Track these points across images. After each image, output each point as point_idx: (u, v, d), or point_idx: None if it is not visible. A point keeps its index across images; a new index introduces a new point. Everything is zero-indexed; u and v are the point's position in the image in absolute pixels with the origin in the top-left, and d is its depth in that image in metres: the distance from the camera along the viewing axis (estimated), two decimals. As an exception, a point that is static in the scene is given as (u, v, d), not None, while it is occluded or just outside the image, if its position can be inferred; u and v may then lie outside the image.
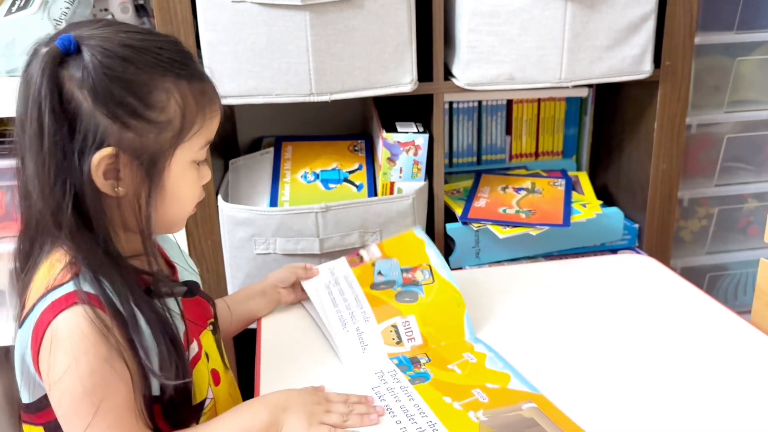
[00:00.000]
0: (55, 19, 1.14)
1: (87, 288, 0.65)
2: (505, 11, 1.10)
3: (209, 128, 0.72)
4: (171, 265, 0.81)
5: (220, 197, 1.17)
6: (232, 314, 0.92)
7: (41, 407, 0.69)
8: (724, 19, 1.33)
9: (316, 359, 0.86)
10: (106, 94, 0.64)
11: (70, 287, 0.65)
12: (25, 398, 0.70)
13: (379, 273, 0.97)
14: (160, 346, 0.67)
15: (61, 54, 0.63)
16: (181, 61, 0.69)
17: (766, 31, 1.35)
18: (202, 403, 0.75)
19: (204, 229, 1.18)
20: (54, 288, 0.65)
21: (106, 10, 1.33)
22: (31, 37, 1.11)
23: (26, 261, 0.71)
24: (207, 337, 0.79)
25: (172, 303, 0.73)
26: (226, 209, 1.15)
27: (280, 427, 0.69)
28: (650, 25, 1.15)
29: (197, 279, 0.85)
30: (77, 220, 0.66)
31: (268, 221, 1.13)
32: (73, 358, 0.63)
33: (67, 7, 1.15)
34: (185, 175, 0.71)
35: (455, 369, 0.82)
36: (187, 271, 0.84)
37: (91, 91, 0.63)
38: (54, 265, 0.67)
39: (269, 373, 0.83)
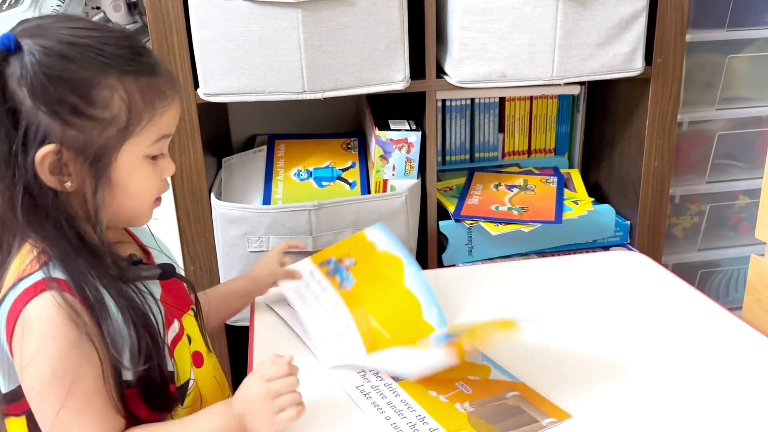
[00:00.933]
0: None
1: (57, 274, 0.66)
2: (497, 8, 1.10)
3: (161, 122, 0.70)
4: (146, 251, 0.81)
5: (213, 195, 1.17)
6: (211, 310, 0.90)
7: (19, 396, 0.69)
8: (715, 16, 1.34)
9: (307, 351, 0.87)
10: (45, 93, 0.64)
11: (39, 275, 0.66)
12: (3, 387, 0.71)
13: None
14: (130, 330, 0.68)
15: (2, 52, 0.64)
16: (127, 56, 0.68)
17: (757, 28, 1.36)
18: (186, 384, 0.76)
19: (197, 227, 1.18)
20: (24, 277, 0.66)
21: (97, 8, 1.33)
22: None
23: None
24: (189, 320, 0.80)
25: (152, 287, 0.74)
26: (219, 207, 1.15)
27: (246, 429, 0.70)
28: (641, 23, 1.16)
29: (173, 263, 0.85)
30: (35, 212, 0.67)
31: (261, 219, 1.13)
32: (41, 343, 0.64)
33: (58, 5, 1.14)
34: (137, 170, 0.70)
35: None
36: (163, 255, 0.84)
37: (30, 90, 0.64)
38: (24, 256, 0.68)
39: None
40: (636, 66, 1.19)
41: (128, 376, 0.69)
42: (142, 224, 0.78)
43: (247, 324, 0.99)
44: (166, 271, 0.76)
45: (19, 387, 0.69)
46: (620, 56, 1.17)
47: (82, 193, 0.68)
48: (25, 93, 0.64)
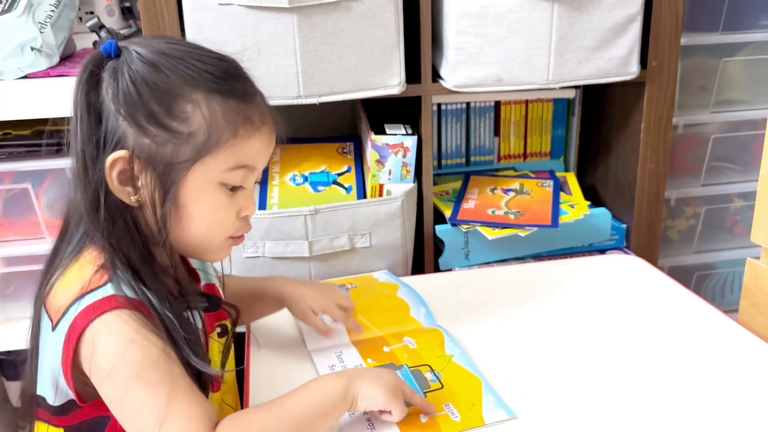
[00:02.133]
0: (39, 23, 1.12)
1: (127, 292, 0.64)
2: (493, 13, 1.10)
3: (242, 150, 0.67)
4: (193, 274, 0.80)
5: (208, 200, 1.17)
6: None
7: (65, 411, 0.68)
8: (710, 20, 1.34)
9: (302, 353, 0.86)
10: (127, 97, 0.64)
11: (108, 290, 0.64)
12: (51, 400, 0.68)
13: None
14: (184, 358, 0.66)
15: (102, 57, 0.65)
16: (219, 75, 0.66)
17: (751, 31, 1.37)
18: None
19: (192, 233, 1.17)
20: (90, 291, 0.64)
21: (91, 12, 1.32)
22: (16, 40, 1.11)
23: (52, 262, 0.70)
24: (212, 343, 0.78)
25: (196, 316, 0.72)
26: (214, 212, 1.14)
27: (355, 394, 0.69)
28: (636, 27, 1.16)
29: (216, 281, 0.84)
30: (110, 216, 0.66)
31: (256, 224, 1.13)
32: (123, 350, 0.62)
33: (52, 11, 1.14)
34: (206, 194, 0.67)
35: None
36: (209, 276, 0.83)
37: (115, 93, 0.64)
38: (84, 266, 0.66)
39: (258, 366, 0.83)
40: (631, 69, 1.19)
41: None
42: (215, 260, 0.76)
43: (243, 330, 0.99)
44: (212, 304, 0.76)
45: (67, 403, 0.67)
46: (615, 60, 1.17)
47: (150, 212, 0.66)
48: (110, 96, 0.64)
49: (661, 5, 1.18)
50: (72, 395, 0.67)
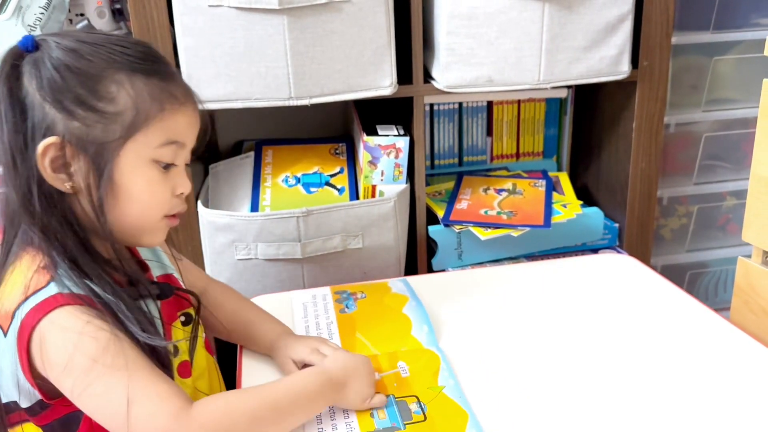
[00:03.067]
0: (29, 25, 1.12)
1: (71, 288, 0.65)
2: (483, 13, 1.10)
3: (170, 125, 0.69)
4: (143, 265, 0.80)
5: (200, 203, 1.16)
6: (229, 332, 0.90)
7: (37, 411, 0.68)
8: (701, 19, 1.35)
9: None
10: (52, 84, 0.65)
11: (52, 289, 0.64)
12: (21, 403, 0.69)
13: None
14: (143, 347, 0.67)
15: (20, 51, 0.66)
16: (139, 56, 0.68)
17: (742, 30, 1.37)
18: None
19: (184, 235, 1.17)
20: (34, 293, 0.65)
21: (81, 15, 1.32)
22: (6, 43, 1.10)
23: None
24: (176, 330, 0.79)
25: (150, 305, 0.73)
26: (206, 215, 1.14)
27: (338, 400, 0.73)
28: (627, 26, 1.16)
29: (173, 272, 0.84)
30: (45, 212, 0.66)
31: (248, 226, 1.12)
32: (75, 344, 0.62)
33: (42, 13, 1.13)
34: (141, 172, 0.68)
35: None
36: (162, 266, 0.83)
37: (39, 82, 0.65)
38: (25, 269, 0.67)
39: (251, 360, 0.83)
40: (622, 69, 1.19)
41: None
42: (152, 243, 0.75)
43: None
44: (164, 291, 0.76)
45: (37, 404, 0.67)
46: (606, 60, 1.17)
47: (86, 198, 0.67)
48: (34, 86, 0.65)
49: (652, 4, 1.18)
50: (39, 395, 0.67)
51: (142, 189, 0.69)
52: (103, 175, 0.66)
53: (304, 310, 0.97)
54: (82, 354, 0.62)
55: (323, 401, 0.72)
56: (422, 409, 0.74)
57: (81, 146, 0.65)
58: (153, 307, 0.74)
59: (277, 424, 0.69)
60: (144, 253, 0.82)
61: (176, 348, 0.77)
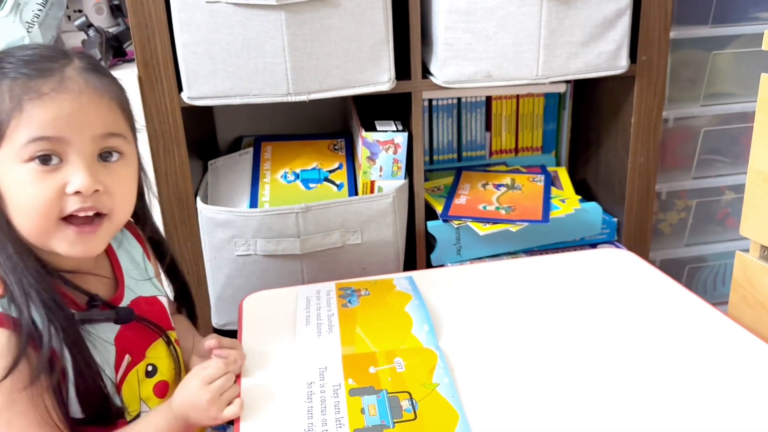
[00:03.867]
0: (27, 22, 1.12)
1: (9, 310, 0.66)
2: (482, 8, 1.10)
3: (31, 121, 0.65)
4: (118, 278, 0.79)
5: (199, 199, 1.16)
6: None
7: None
8: (699, 13, 1.35)
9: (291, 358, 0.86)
10: None
11: None
12: None
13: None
14: (72, 373, 0.68)
15: None
16: (22, 62, 0.67)
17: (740, 25, 1.37)
18: (137, 417, 0.75)
19: (183, 232, 1.17)
20: None
21: (80, 11, 1.32)
22: (3, 40, 1.10)
23: None
24: (156, 350, 0.79)
25: (106, 326, 0.74)
26: (205, 211, 1.14)
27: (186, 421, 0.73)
28: (625, 21, 1.16)
29: (156, 290, 0.83)
30: None
31: (248, 222, 1.13)
32: None
33: (40, 10, 1.13)
34: (14, 174, 0.66)
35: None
36: (149, 285, 0.82)
37: None
38: None
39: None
40: (621, 64, 1.19)
41: (77, 414, 0.70)
42: (66, 253, 0.69)
43: (235, 328, 0.99)
44: (121, 317, 0.75)
45: None
46: (605, 54, 1.17)
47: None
48: None
49: (650, -1, 1.18)
50: None
51: (19, 193, 0.66)
52: None
53: (306, 303, 0.97)
54: None
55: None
56: (413, 407, 0.74)
57: None
58: (108, 329, 0.73)
59: None
60: (129, 272, 0.81)
61: (154, 367, 0.78)
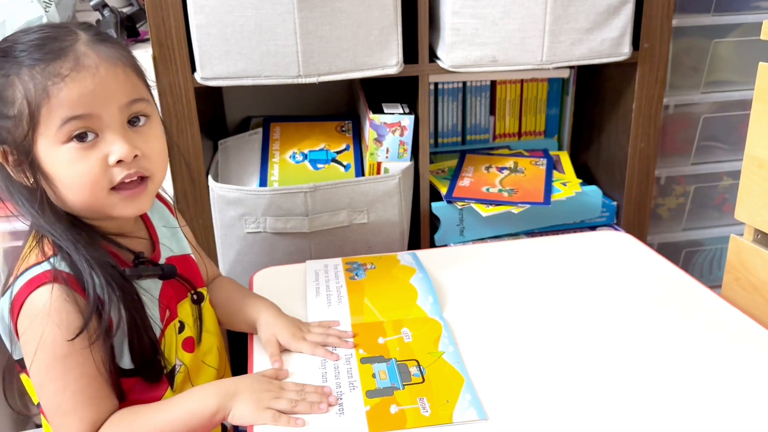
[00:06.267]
0: (44, 1, 1.14)
1: (62, 267, 0.71)
2: (489, -6, 1.12)
3: (60, 104, 0.68)
4: (154, 240, 0.84)
5: (210, 177, 1.19)
6: (221, 317, 0.92)
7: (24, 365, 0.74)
8: (701, 1, 1.36)
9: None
10: None
11: (45, 266, 0.71)
12: (15, 355, 0.76)
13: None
14: (125, 327, 0.73)
15: None
16: (31, 50, 0.69)
17: (742, 13, 1.39)
18: (173, 369, 0.80)
19: (195, 209, 1.20)
20: (30, 267, 0.71)
21: (93, -9, 1.34)
22: (21, 20, 1.13)
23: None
24: (184, 307, 0.83)
25: (151, 283, 0.78)
26: (216, 189, 1.17)
27: (227, 413, 0.73)
28: (629, 8, 1.18)
29: (186, 249, 0.88)
30: (29, 202, 0.72)
31: (257, 201, 1.16)
32: (44, 330, 0.68)
33: (55, -10, 1.15)
34: (57, 157, 0.70)
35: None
36: (174, 243, 0.87)
37: None
38: (31, 245, 0.74)
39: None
40: (623, 51, 1.21)
41: (127, 365, 0.74)
42: (125, 215, 0.75)
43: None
44: (166, 273, 0.80)
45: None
46: (608, 41, 1.19)
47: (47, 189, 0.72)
48: None
49: (654, -13, 1.20)
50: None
51: (65, 173, 0.70)
52: (36, 171, 0.71)
53: (315, 276, 1.01)
54: (44, 347, 0.69)
55: (210, 426, 0.74)
56: (421, 372, 0.79)
57: (14, 149, 0.70)
58: (153, 286, 0.78)
59: None
60: (162, 232, 0.86)
61: (182, 324, 0.82)
